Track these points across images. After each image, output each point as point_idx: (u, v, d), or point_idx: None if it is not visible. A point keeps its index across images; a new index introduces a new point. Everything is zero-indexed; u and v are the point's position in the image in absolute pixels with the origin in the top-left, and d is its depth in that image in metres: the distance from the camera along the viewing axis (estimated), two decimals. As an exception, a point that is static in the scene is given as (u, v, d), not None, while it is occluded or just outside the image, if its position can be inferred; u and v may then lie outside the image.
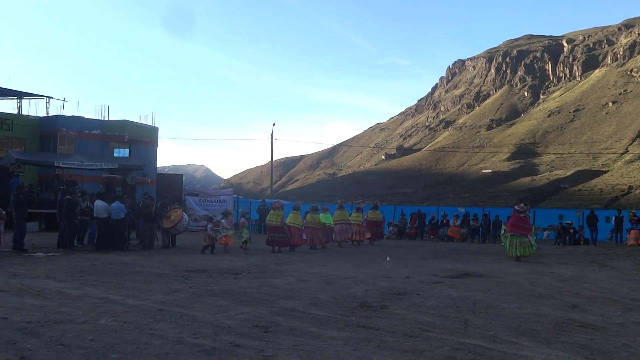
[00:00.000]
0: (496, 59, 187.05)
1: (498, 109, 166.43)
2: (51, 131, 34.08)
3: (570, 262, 16.98)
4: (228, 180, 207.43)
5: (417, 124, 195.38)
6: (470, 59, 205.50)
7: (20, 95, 37.26)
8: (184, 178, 37.21)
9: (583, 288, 11.10)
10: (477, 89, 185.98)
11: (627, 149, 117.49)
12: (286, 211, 21.08)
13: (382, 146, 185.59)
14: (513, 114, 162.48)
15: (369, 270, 13.57)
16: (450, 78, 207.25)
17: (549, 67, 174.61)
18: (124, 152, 35.95)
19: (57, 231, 18.76)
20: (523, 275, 13.02)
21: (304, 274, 12.52)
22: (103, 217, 17.96)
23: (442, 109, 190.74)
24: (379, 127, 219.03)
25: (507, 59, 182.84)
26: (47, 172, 31.77)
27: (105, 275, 11.63)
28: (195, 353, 5.74)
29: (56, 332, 6.48)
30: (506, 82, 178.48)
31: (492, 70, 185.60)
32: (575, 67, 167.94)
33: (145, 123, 37.15)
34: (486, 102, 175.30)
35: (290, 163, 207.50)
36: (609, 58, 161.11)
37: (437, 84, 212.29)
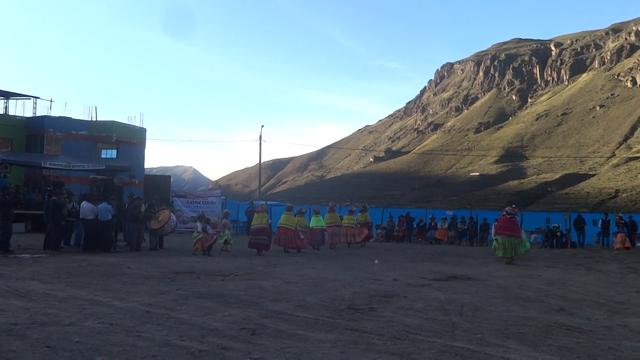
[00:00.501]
0: (484, 63, 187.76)
1: (486, 112, 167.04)
2: (38, 132, 33.84)
3: (557, 265, 17.06)
4: (216, 181, 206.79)
5: (405, 127, 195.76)
6: (459, 62, 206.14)
7: (7, 95, 36.99)
8: (172, 179, 37.09)
9: (570, 291, 11.15)
10: (465, 92, 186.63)
11: (614, 152, 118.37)
12: (277, 213, 21.19)
13: (371, 149, 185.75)
14: (501, 117, 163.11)
15: (357, 273, 13.58)
16: (438, 81, 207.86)
17: (537, 70, 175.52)
18: (111, 153, 35.73)
19: (44, 232, 18.67)
20: (510, 278, 13.07)
21: (292, 277, 12.51)
22: (90, 219, 17.88)
23: (431, 111, 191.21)
24: (367, 130, 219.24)
25: (496, 63, 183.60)
26: (34, 172, 31.54)
27: (91, 277, 11.57)
28: (182, 355, 5.72)
29: (42, 334, 6.44)
30: (494, 85, 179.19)
31: (481, 74, 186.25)
32: (563, 71, 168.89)
33: (133, 124, 36.99)
34: (474, 105, 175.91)
35: (278, 165, 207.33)
36: (597, 62, 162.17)
37: (425, 87, 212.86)
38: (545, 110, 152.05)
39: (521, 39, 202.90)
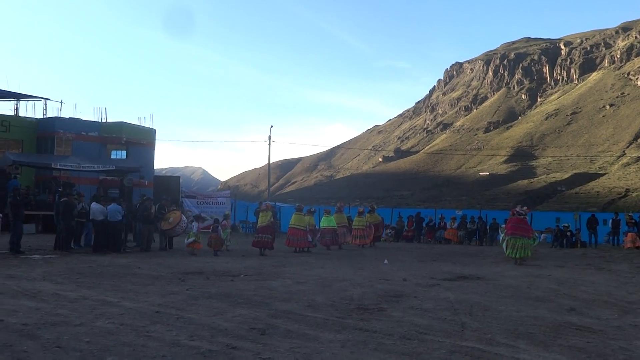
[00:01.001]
0: (494, 62, 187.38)
1: (495, 112, 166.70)
2: (48, 133, 34.04)
3: (567, 264, 16.98)
4: (225, 182, 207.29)
5: (414, 127, 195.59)
6: (468, 61, 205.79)
7: (17, 96, 37.18)
8: (181, 180, 37.19)
9: (580, 291, 11.10)
10: (474, 91, 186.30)
11: (624, 151, 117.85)
12: (287, 214, 21.25)
13: (380, 149, 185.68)
14: (510, 116, 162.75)
15: (366, 273, 13.57)
16: (447, 81, 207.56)
17: (546, 69, 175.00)
18: (121, 154, 35.87)
19: (54, 233, 18.74)
20: (520, 278, 13.02)
21: (301, 277, 12.51)
22: (99, 220, 17.94)
23: (440, 111, 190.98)
24: (376, 130, 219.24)
25: (505, 62, 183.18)
26: (45, 173, 31.71)
27: (102, 278, 11.61)
28: (192, 355, 5.73)
29: (53, 334, 6.47)
30: (504, 84, 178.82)
31: (490, 73, 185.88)
32: (572, 70, 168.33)
33: (143, 125, 37.13)
34: (484, 104, 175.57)
35: (287, 165, 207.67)
36: (607, 61, 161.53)
37: (434, 86, 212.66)
38: (555, 110, 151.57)
39: (530, 38, 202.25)
